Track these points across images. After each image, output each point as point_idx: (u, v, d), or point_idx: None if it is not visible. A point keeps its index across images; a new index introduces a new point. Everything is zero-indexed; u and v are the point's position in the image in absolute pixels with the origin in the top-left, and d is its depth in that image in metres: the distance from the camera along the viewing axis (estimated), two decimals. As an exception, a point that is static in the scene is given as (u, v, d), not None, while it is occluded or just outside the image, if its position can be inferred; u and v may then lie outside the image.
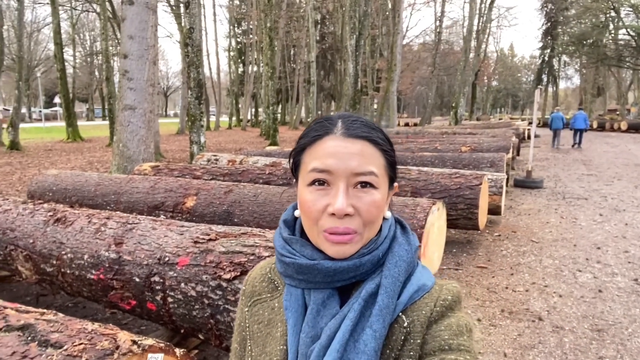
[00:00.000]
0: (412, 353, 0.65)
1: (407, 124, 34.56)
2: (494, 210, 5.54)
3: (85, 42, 48.22)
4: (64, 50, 20.68)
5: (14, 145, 16.45)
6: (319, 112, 51.29)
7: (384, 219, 0.74)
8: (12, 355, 1.31)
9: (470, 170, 5.46)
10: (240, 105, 40.67)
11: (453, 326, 0.67)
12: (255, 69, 33.43)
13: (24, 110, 42.91)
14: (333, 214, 0.66)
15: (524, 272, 4.27)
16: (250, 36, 35.50)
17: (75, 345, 1.32)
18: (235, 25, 41.31)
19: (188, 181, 4.53)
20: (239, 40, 42.23)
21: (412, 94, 57.36)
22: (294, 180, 0.75)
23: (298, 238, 0.74)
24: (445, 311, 0.68)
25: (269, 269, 0.82)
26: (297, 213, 0.77)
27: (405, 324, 0.67)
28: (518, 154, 13.39)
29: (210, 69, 38.78)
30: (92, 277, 2.78)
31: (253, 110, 42.78)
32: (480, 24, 27.96)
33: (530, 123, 22.62)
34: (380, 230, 0.73)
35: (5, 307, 1.65)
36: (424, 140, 10.57)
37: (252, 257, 2.27)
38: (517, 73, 74.61)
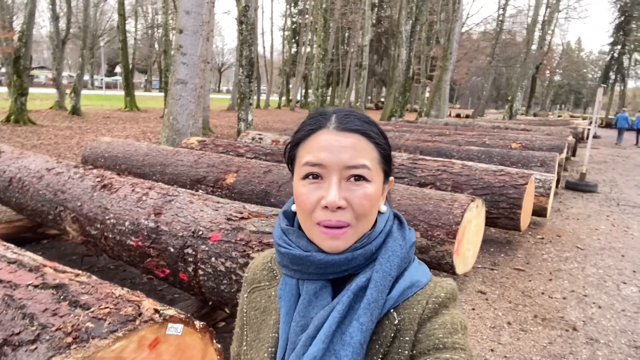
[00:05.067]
0: (400, 350, 0.65)
1: (458, 115, 33.59)
2: (539, 211, 5.32)
3: (147, 15, 49.69)
4: (126, 22, 21.44)
5: (75, 111, 17.34)
6: (369, 97, 50.73)
7: (380, 213, 0.74)
8: (44, 311, 1.40)
9: (518, 169, 5.25)
10: (290, 86, 40.86)
11: (447, 324, 0.66)
12: (308, 50, 33.38)
13: (86, 77, 45.05)
14: (326, 207, 0.67)
15: (563, 278, 4.10)
16: (306, 16, 35.37)
17: (101, 309, 1.39)
18: (292, 4, 41.28)
19: (230, 158, 4.63)
20: (294, 20, 42.22)
21: (467, 84, 55.52)
22: (291, 174, 0.76)
23: (295, 229, 0.75)
24: (439, 308, 0.68)
25: (270, 258, 0.84)
26: (294, 207, 0.78)
27: (396, 321, 0.67)
28: (574, 155, 12.74)
29: (264, 47, 39.12)
30: (132, 243, 2.92)
31: (303, 91, 42.88)
32: (547, 14, 26.46)
33: (591, 122, 21.47)
34: (375, 224, 0.73)
35: (44, 266, 1.76)
36: (472, 133, 10.25)
37: (280, 239, 2.30)
38: (582, 69, 70.43)
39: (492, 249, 4.82)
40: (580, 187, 8.47)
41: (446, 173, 4.77)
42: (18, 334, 1.34)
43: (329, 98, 47.68)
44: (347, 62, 38.52)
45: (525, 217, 4.65)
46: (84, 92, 23.30)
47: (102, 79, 47.36)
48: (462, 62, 36.55)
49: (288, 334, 0.70)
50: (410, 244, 0.74)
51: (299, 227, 0.75)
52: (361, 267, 0.70)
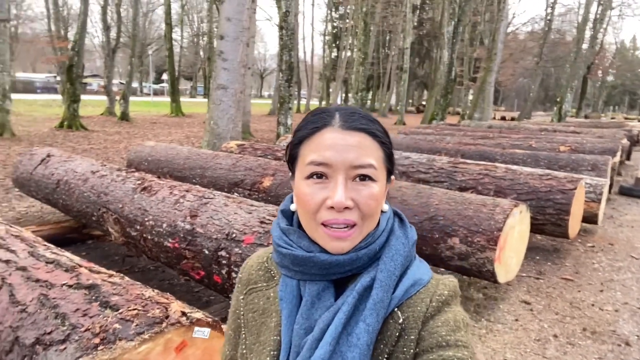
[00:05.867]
0: (405, 349, 0.65)
1: (503, 118, 32.53)
2: (590, 218, 5.03)
3: (193, 23, 51.27)
4: (173, 31, 22.19)
5: (124, 116, 18.07)
6: (410, 101, 50.14)
7: (382, 212, 0.73)
8: (75, 311, 1.43)
9: (566, 173, 4.99)
10: (330, 90, 40.98)
11: (450, 322, 0.66)
12: (348, 54, 33.39)
13: (135, 84, 46.91)
14: (332, 207, 0.65)
15: (616, 289, 3.84)
16: (347, 20, 35.40)
17: (130, 310, 1.40)
18: (333, 9, 41.44)
19: (267, 161, 4.65)
20: (335, 24, 42.36)
21: (513, 86, 53.86)
22: (291, 173, 0.74)
23: (296, 229, 0.73)
24: (442, 306, 0.67)
25: (266, 257, 0.82)
26: (293, 207, 0.76)
27: (401, 320, 0.66)
28: (628, 159, 12.03)
29: (305, 52, 39.46)
30: (169, 244, 2.96)
31: (343, 95, 42.90)
32: (599, 11, 25.24)
33: (648, 125, 20.22)
34: (378, 223, 0.72)
35: (80, 266, 1.80)
36: (518, 136, 9.87)
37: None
38: (638, 68, 66.68)
39: (537, 257, 4.59)
40: (636, 192, 7.96)
41: (488, 177, 4.60)
42: (50, 333, 1.36)
43: (369, 102, 47.48)
44: (387, 66, 38.25)
45: (575, 223, 4.40)
46: (133, 98, 24.26)
47: (150, 86, 49.22)
48: (507, 63, 35.47)
49: (291, 336, 0.68)
50: (412, 242, 0.74)
51: (299, 226, 0.73)
52: (365, 267, 0.69)
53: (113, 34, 20.36)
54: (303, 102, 37.10)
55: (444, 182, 4.75)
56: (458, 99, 40.73)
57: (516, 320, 3.16)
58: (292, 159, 0.73)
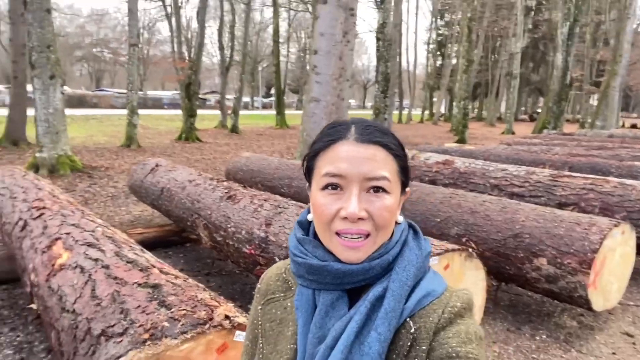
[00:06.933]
0: (417, 359, 0.65)
1: (634, 126, 28.85)
2: None
3: (300, 40, 53.56)
4: (281, 47, 23.40)
5: (234, 129, 19.41)
6: (522, 108, 46.85)
7: (396, 223, 0.74)
8: (136, 308, 1.59)
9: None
10: (434, 99, 39.93)
11: (462, 333, 0.65)
12: (454, 61, 32.33)
13: (247, 99, 50.08)
14: (346, 218, 0.68)
15: None
16: (455, 27, 34.29)
17: (180, 310, 1.52)
18: (438, 17, 40.49)
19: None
20: (439, 32, 41.31)
21: (648, 89, 47.58)
22: (307, 184, 0.77)
23: (311, 239, 0.75)
24: (454, 318, 0.67)
25: (285, 269, 0.84)
26: (310, 217, 0.78)
27: (412, 330, 0.66)
28: None
29: (407, 62, 39.03)
30: (246, 250, 3.13)
31: (447, 104, 41.57)
32: None
33: None
34: (392, 234, 0.73)
35: (154, 267, 1.99)
36: (644, 146, 8.73)
37: (371, 257, 2.25)
38: None
39: (654, 285, 4.01)
40: None
41: (594, 192, 4.14)
42: (113, 326, 1.53)
43: (475, 110, 45.32)
44: (497, 72, 36.27)
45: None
46: (243, 112, 25.96)
47: (261, 100, 52.30)
48: (639, 65, 31.52)
49: (306, 345, 0.70)
50: (425, 254, 0.74)
51: (315, 237, 0.76)
52: (378, 277, 0.70)
53: (228, 52, 22.06)
54: (406, 112, 36.59)
55: (541, 197, 4.38)
56: (579, 106, 37.13)
57: (613, 353, 2.79)
58: (309, 171, 0.75)
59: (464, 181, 5.18)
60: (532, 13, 35.64)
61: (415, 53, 38.98)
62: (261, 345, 0.79)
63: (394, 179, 0.70)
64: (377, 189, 0.68)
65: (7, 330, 2.89)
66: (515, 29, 22.80)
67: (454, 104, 24.18)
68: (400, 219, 0.75)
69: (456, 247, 2.35)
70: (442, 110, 41.35)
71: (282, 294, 0.80)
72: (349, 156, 0.69)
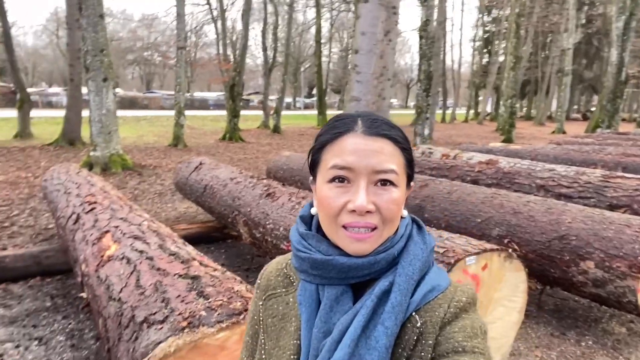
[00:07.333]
0: (423, 354, 0.65)
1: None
2: None
3: (343, 40, 53.53)
4: (323, 47, 23.51)
5: (276, 129, 19.67)
6: (575, 107, 44.79)
7: (401, 217, 0.74)
8: (177, 297, 1.66)
9: None
10: (480, 98, 38.89)
11: (467, 328, 0.66)
12: (501, 59, 31.35)
13: (289, 99, 50.58)
14: (353, 211, 0.67)
15: None
16: (503, 23, 33.25)
17: (216, 300, 1.57)
18: (485, 13, 39.38)
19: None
20: (486, 29, 40.16)
21: None
22: (311, 177, 0.76)
23: (314, 234, 0.75)
24: (459, 312, 0.67)
25: (285, 264, 0.83)
26: (313, 211, 0.78)
27: (418, 324, 0.66)
28: None
29: (452, 60, 38.20)
30: (284, 247, 3.18)
31: (494, 103, 40.36)
32: None
33: None
34: (397, 229, 0.73)
35: (194, 259, 2.07)
36: None
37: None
38: None
39: None
40: None
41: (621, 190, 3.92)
42: (154, 314, 1.61)
43: (524, 109, 43.73)
44: (547, 69, 34.87)
45: None
46: (285, 112, 26.27)
47: (303, 100, 52.70)
48: None
49: (310, 340, 0.70)
50: (430, 248, 0.74)
51: (317, 231, 0.76)
52: (382, 272, 0.70)
53: (271, 54, 22.41)
54: (449, 111, 35.83)
55: (591, 198, 4.19)
56: (636, 104, 35.12)
57: (666, 365, 2.64)
58: (314, 164, 0.75)
59: (508, 181, 5.03)
60: (586, 7, 34.01)
61: (460, 50, 38.14)
62: (263, 341, 0.78)
63: (401, 172, 0.70)
64: (385, 182, 0.68)
65: (60, 318, 3.08)
66: (567, 24, 21.81)
67: (501, 102, 23.45)
68: (405, 213, 0.75)
69: (495, 247, 2.29)
70: (488, 109, 40.19)
71: (284, 290, 0.80)
72: (357, 149, 0.68)
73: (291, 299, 0.78)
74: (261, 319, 0.80)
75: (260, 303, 0.82)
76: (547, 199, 3.62)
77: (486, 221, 3.49)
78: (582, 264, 2.86)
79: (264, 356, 0.77)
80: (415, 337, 0.66)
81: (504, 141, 15.76)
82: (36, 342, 2.77)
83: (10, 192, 6.82)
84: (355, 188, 0.68)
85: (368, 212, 0.67)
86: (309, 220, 0.79)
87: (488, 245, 2.30)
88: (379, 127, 0.70)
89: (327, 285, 0.71)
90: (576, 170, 4.86)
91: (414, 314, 0.67)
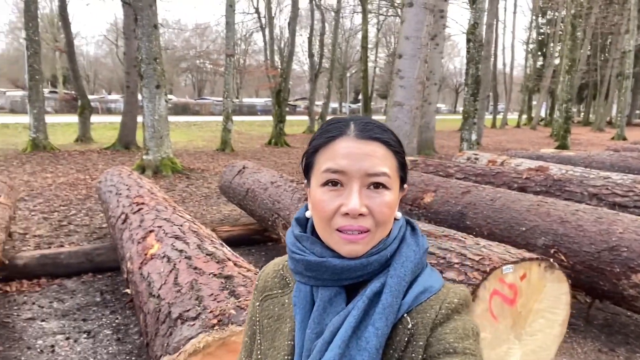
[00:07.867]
0: (414, 355, 0.65)
1: None
2: None
3: (390, 44, 53.20)
4: (369, 53, 23.48)
5: (321, 134, 19.82)
6: (638, 112, 42.18)
7: (395, 219, 0.74)
8: (210, 295, 1.71)
9: None
10: (534, 103, 37.43)
11: (459, 329, 0.66)
12: (556, 62, 30.06)
13: (335, 105, 50.79)
14: (346, 214, 0.68)
15: None
16: (559, 25, 31.93)
17: (246, 300, 1.62)
18: (539, 15, 37.94)
19: (431, 177, 4.59)
20: (541, 31, 38.67)
21: None
22: (306, 181, 0.77)
23: (308, 236, 0.76)
24: (451, 314, 0.67)
25: (282, 265, 0.85)
26: (308, 214, 0.79)
27: (410, 326, 0.67)
28: None
29: (504, 63, 37.02)
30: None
31: (548, 108, 38.70)
32: None
33: None
34: (390, 231, 0.73)
35: (229, 260, 2.13)
36: None
37: (441, 261, 2.20)
38: None
39: None
40: None
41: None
42: (188, 310, 1.67)
43: (581, 114, 41.66)
44: (607, 72, 33.09)
45: None
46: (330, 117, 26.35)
47: (348, 106, 52.76)
48: None
49: (304, 340, 0.71)
50: (423, 250, 0.74)
51: (312, 234, 0.76)
52: (375, 273, 0.70)
53: (317, 60, 22.63)
54: (500, 116, 34.68)
55: (645, 208, 3.95)
56: None
57: None
58: (307, 167, 0.76)
59: (558, 189, 4.81)
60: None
61: (513, 54, 36.74)
62: (259, 341, 0.79)
63: (394, 175, 0.70)
64: (377, 185, 0.69)
65: (108, 313, 3.24)
66: (629, 25, 20.65)
67: (556, 107, 22.49)
68: (398, 215, 0.75)
69: (534, 256, 2.21)
70: (542, 114, 38.59)
71: (280, 291, 0.81)
72: (349, 152, 0.69)
73: (287, 300, 0.79)
74: (258, 319, 0.82)
75: (258, 304, 0.83)
76: (598, 208, 3.44)
77: (531, 230, 3.36)
78: (633, 277, 2.70)
79: (259, 356, 0.78)
80: (406, 339, 0.66)
81: (558, 147, 15.07)
82: (85, 335, 2.93)
83: (69, 193, 7.26)
84: (348, 191, 0.68)
85: (361, 215, 0.67)
86: (304, 222, 0.80)
87: (527, 254, 2.22)
88: (371, 130, 0.71)
89: (321, 287, 0.71)
90: (633, 179, 4.60)
91: (405, 315, 0.67)
